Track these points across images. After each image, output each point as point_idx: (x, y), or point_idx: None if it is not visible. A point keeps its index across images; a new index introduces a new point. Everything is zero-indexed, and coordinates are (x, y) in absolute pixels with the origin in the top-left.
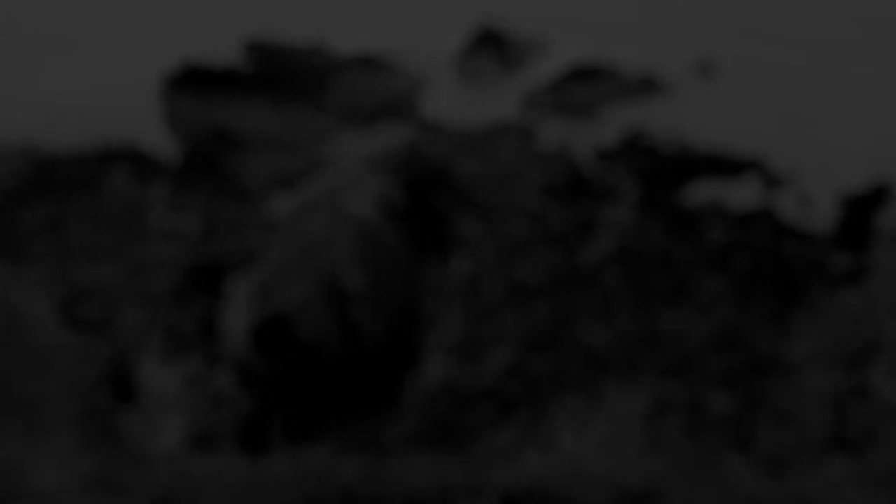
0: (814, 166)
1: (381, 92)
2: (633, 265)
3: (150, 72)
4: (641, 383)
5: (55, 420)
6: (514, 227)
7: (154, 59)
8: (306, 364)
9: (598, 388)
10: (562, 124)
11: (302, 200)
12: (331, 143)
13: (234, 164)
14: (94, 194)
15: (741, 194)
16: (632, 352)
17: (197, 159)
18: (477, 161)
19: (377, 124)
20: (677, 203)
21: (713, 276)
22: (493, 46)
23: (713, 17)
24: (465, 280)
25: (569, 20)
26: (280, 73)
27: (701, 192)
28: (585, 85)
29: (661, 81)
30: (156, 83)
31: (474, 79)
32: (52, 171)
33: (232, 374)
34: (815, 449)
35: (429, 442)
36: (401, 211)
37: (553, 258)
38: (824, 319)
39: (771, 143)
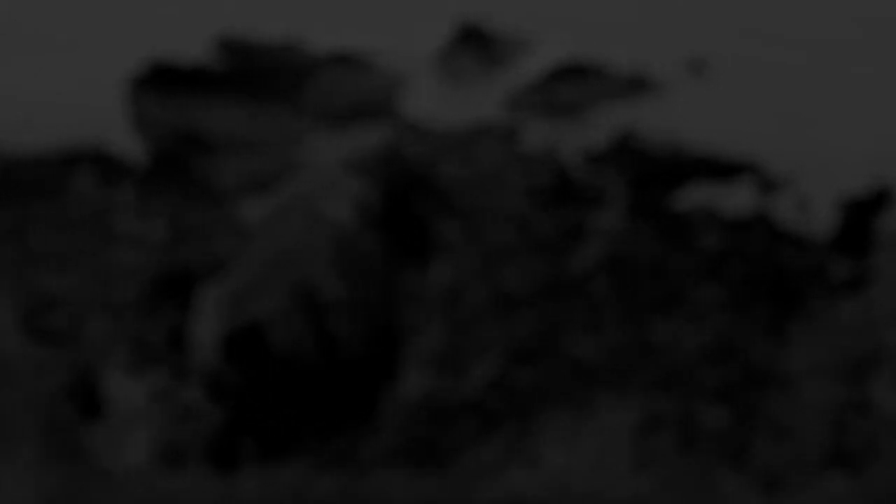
0: (812, 169)
1: (360, 92)
2: (622, 273)
3: (116, 70)
4: (632, 396)
5: (17, 434)
6: (497, 232)
7: (121, 56)
8: (280, 376)
9: (587, 402)
10: (548, 125)
11: (275, 205)
12: (306, 145)
13: (204, 167)
14: (58, 198)
15: (736, 198)
16: (622, 364)
17: (165, 162)
18: (459, 163)
19: (355, 125)
20: (669, 208)
21: (707, 285)
22: (476, 44)
23: (706, 14)
24: (446, 288)
25: (555, 17)
26: (253, 72)
27: (694, 197)
28: (572, 84)
29: (652, 80)
30: (122, 81)
31: (456, 78)
32: (13, 174)
33: (201, 386)
34: (812, 464)
35: (408, 458)
36: (379, 216)
37: (539, 265)
38: (823, 329)
39: (767, 144)
